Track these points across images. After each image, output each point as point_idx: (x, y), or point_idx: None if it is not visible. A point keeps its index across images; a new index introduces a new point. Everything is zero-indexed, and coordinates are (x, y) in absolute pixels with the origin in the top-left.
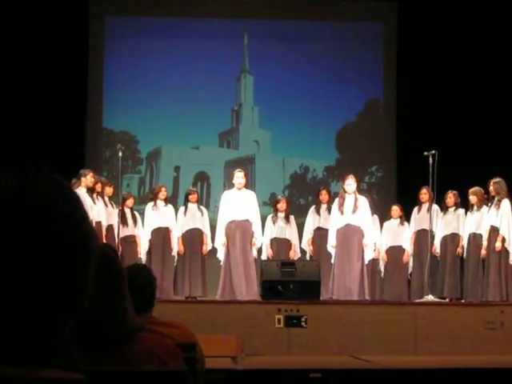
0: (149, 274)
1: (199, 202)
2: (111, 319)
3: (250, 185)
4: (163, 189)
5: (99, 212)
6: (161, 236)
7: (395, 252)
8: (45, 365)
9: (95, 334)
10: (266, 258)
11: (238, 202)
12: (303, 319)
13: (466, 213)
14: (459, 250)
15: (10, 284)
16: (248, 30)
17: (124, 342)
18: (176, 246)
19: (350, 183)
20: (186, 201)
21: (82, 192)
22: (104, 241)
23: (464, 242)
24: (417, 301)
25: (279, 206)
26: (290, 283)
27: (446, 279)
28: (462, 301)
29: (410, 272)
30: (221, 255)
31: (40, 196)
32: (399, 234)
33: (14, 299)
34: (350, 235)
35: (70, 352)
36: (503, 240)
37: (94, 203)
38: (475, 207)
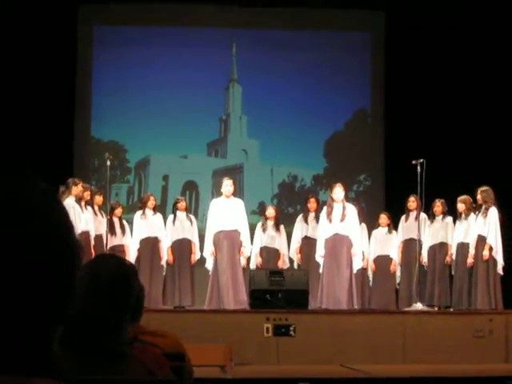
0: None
1: (188, 210)
2: (110, 337)
3: (238, 194)
4: (152, 197)
5: (87, 221)
6: (149, 245)
7: (383, 261)
8: (31, 373)
9: (92, 350)
10: (255, 267)
11: (227, 211)
12: (292, 328)
13: (454, 221)
14: (448, 258)
15: None
16: (236, 39)
17: (120, 360)
18: (165, 255)
19: (338, 191)
20: (175, 209)
21: (71, 201)
22: (92, 251)
23: (452, 250)
24: (405, 309)
25: (268, 212)
26: (279, 292)
27: (435, 287)
28: (451, 309)
29: (398, 281)
30: (209, 265)
31: (27, 203)
32: (387, 242)
33: None
34: (339, 244)
35: (57, 361)
36: (490, 249)
37: (83, 212)
38: (463, 215)
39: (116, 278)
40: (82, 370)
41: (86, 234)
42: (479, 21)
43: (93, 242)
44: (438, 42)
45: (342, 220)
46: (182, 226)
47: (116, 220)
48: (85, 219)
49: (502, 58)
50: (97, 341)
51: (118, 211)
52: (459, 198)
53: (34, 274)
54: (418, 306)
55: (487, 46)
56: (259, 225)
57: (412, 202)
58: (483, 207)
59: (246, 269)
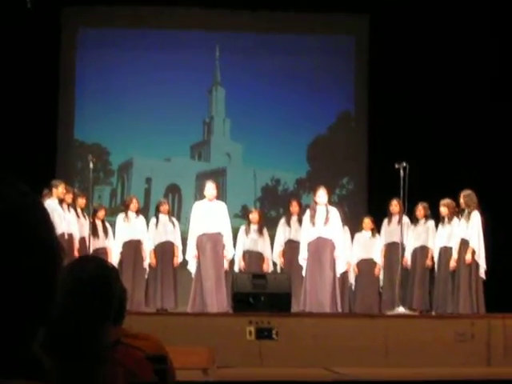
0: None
1: (170, 213)
2: (92, 339)
3: (221, 197)
4: (134, 200)
5: (70, 223)
6: (132, 248)
7: (366, 265)
8: (10, 376)
9: (74, 353)
10: (238, 271)
11: (209, 214)
12: (274, 331)
13: (436, 225)
14: (428, 262)
15: None
16: (220, 42)
17: (102, 362)
18: (148, 257)
19: (322, 195)
20: (157, 212)
21: (53, 203)
22: (76, 253)
23: (435, 254)
24: (388, 313)
25: (251, 217)
26: (261, 295)
27: (414, 291)
28: (433, 313)
29: (381, 285)
30: (192, 267)
31: (6, 205)
32: (370, 246)
33: None
34: (322, 248)
35: (39, 364)
36: (473, 252)
37: (65, 214)
38: (446, 219)
39: (97, 279)
40: (64, 373)
41: (69, 236)
42: (464, 23)
43: (77, 245)
44: (422, 44)
45: (326, 223)
46: (164, 230)
47: (99, 223)
48: (67, 221)
49: (487, 61)
50: (79, 344)
51: (101, 214)
52: (442, 202)
53: (14, 275)
54: (401, 309)
55: (471, 49)
56: (242, 228)
57: (395, 205)
58: (466, 211)
59: (229, 272)
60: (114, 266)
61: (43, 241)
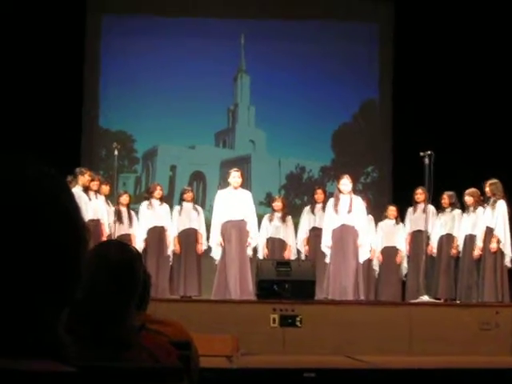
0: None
1: (195, 201)
2: (116, 324)
3: (245, 184)
4: (158, 187)
5: (96, 210)
6: (156, 235)
7: (390, 252)
8: (33, 356)
9: (99, 337)
10: (262, 258)
11: (234, 202)
12: (298, 319)
13: (462, 213)
14: (454, 250)
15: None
16: (244, 29)
17: (126, 347)
18: (171, 245)
19: (346, 183)
20: (181, 200)
21: (77, 190)
22: (104, 238)
23: (460, 242)
24: (412, 301)
25: (274, 205)
26: (286, 283)
27: (440, 280)
28: (457, 301)
29: (404, 273)
30: (216, 254)
31: (36, 186)
32: (394, 234)
33: (2, 287)
34: (345, 235)
35: (63, 345)
36: (498, 241)
37: (90, 200)
38: (471, 208)
39: (121, 262)
40: (88, 357)
41: (96, 221)
42: (491, 8)
43: (107, 231)
44: (448, 32)
45: (349, 212)
46: (188, 217)
47: (124, 209)
48: (93, 208)
49: None
50: (102, 328)
51: (126, 200)
52: (467, 191)
53: (41, 254)
54: (425, 298)
55: (498, 38)
56: (266, 216)
57: (419, 194)
58: (492, 200)
59: (253, 259)
60: (137, 250)
61: (70, 221)
